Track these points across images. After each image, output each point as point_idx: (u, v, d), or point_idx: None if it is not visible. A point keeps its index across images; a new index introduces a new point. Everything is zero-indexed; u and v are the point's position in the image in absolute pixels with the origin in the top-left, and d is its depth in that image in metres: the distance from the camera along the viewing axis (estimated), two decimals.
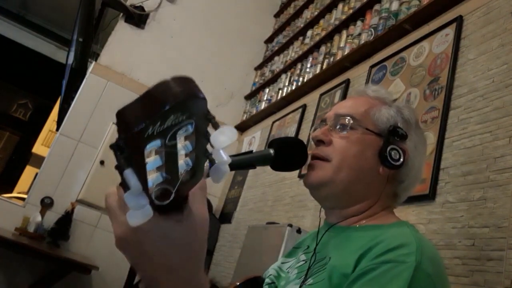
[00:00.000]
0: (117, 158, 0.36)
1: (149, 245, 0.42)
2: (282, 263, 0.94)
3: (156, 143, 0.36)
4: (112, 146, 0.36)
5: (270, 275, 0.91)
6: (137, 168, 0.36)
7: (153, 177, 0.38)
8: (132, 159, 0.36)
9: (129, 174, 0.36)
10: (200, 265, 0.45)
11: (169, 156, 0.38)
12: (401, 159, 0.81)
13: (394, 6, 2.12)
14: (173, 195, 0.39)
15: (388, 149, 0.81)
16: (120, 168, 0.37)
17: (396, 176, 0.83)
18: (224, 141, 0.39)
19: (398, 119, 0.85)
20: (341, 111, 0.87)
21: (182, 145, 0.39)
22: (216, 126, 0.40)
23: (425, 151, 0.90)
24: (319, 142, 0.85)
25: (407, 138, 0.83)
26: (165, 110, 0.34)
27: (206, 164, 0.42)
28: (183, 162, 0.40)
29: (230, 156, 0.43)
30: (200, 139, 0.39)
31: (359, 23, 2.43)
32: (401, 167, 0.81)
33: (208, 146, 0.41)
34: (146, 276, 0.44)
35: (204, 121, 0.39)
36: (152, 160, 0.38)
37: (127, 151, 0.36)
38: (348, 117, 0.84)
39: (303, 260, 0.85)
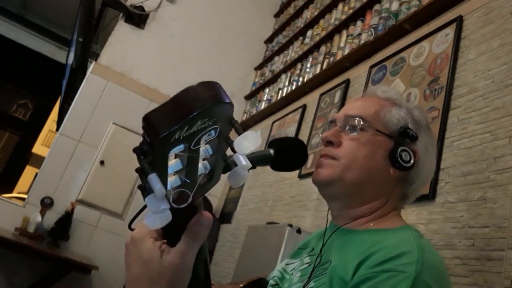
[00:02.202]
0: (140, 162, 0.37)
1: (133, 257, 0.48)
2: (287, 264, 0.93)
3: (179, 147, 0.36)
4: (135, 150, 0.37)
5: (275, 276, 0.91)
6: (160, 173, 0.36)
7: (172, 180, 0.38)
8: (156, 163, 0.36)
9: (154, 178, 0.36)
10: None
11: (191, 161, 0.38)
12: (412, 161, 0.80)
13: (394, 6, 2.12)
14: (190, 199, 0.39)
15: (399, 150, 0.80)
16: (143, 172, 0.37)
17: (407, 178, 0.83)
18: (247, 147, 0.39)
19: (409, 120, 0.84)
20: (351, 112, 0.86)
21: (203, 149, 0.39)
22: (239, 131, 0.40)
23: (435, 152, 0.89)
24: (329, 143, 0.84)
25: (418, 139, 0.83)
26: (193, 116, 0.35)
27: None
28: (201, 166, 0.40)
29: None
30: (222, 144, 0.40)
31: (359, 23, 2.43)
32: (412, 169, 0.81)
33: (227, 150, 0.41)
34: (126, 279, 0.50)
35: (228, 126, 0.39)
36: (173, 164, 0.38)
37: (152, 155, 0.36)
38: (358, 118, 0.83)
39: (307, 263, 0.84)
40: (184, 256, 0.46)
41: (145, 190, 0.37)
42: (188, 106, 0.35)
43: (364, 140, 0.82)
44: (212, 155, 0.40)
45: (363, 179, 0.80)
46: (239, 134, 0.39)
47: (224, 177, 0.44)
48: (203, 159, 0.40)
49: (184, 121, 0.34)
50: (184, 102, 0.35)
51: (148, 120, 0.35)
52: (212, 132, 0.38)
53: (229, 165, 0.41)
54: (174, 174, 0.39)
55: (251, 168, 0.76)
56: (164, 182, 0.37)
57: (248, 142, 0.39)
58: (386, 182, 0.81)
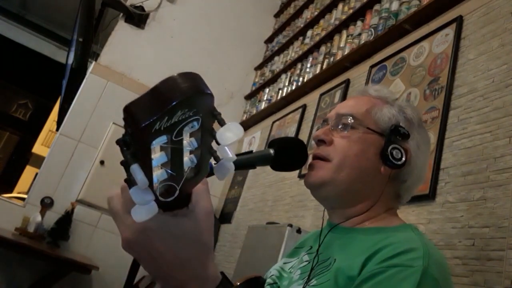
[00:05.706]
0: (123, 153, 0.37)
1: (159, 243, 0.43)
2: (284, 263, 0.93)
3: (162, 139, 0.36)
4: (118, 142, 0.36)
5: (272, 275, 0.91)
6: (143, 164, 0.36)
7: (158, 174, 0.38)
8: (138, 155, 0.36)
9: (136, 169, 0.36)
10: (210, 256, 0.46)
11: (175, 153, 0.38)
12: (403, 159, 0.80)
13: (394, 6, 2.12)
14: (177, 192, 0.39)
15: (390, 148, 0.80)
16: (126, 164, 0.37)
17: (399, 176, 0.82)
18: (230, 138, 0.39)
19: (400, 118, 0.84)
20: (343, 111, 0.86)
21: (188, 142, 0.39)
22: (221, 122, 0.40)
23: (428, 150, 0.89)
24: (320, 141, 0.84)
25: (410, 137, 0.82)
26: (173, 106, 0.34)
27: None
28: (188, 159, 0.40)
29: None
30: (206, 136, 0.39)
31: (359, 23, 2.43)
32: (403, 167, 0.81)
33: (213, 143, 0.41)
34: (158, 274, 0.45)
35: (210, 118, 0.39)
36: (158, 156, 0.38)
37: (134, 147, 0.36)
38: (350, 117, 0.84)
39: (306, 261, 0.84)
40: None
41: (130, 182, 0.37)
42: (168, 96, 0.35)
43: (355, 138, 0.82)
44: (197, 148, 0.40)
45: (355, 179, 0.81)
46: (222, 126, 0.39)
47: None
48: (190, 152, 0.40)
49: (163, 111, 0.34)
50: (163, 92, 0.35)
51: (129, 110, 0.35)
52: (195, 123, 0.38)
53: (216, 158, 0.41)
54: (161, 168, 0.38)
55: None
56: (148, 173, 0.36)
57: (231, 133, 0.39)
58: (377, 181, 0.81)
